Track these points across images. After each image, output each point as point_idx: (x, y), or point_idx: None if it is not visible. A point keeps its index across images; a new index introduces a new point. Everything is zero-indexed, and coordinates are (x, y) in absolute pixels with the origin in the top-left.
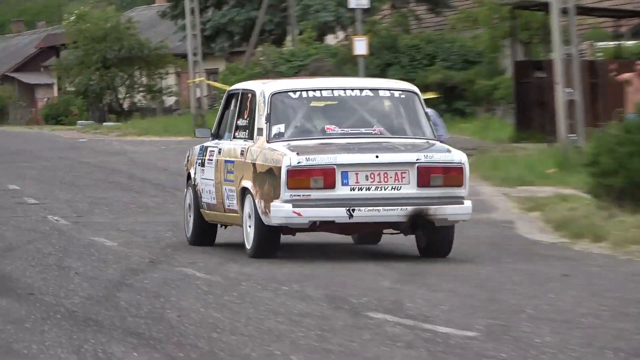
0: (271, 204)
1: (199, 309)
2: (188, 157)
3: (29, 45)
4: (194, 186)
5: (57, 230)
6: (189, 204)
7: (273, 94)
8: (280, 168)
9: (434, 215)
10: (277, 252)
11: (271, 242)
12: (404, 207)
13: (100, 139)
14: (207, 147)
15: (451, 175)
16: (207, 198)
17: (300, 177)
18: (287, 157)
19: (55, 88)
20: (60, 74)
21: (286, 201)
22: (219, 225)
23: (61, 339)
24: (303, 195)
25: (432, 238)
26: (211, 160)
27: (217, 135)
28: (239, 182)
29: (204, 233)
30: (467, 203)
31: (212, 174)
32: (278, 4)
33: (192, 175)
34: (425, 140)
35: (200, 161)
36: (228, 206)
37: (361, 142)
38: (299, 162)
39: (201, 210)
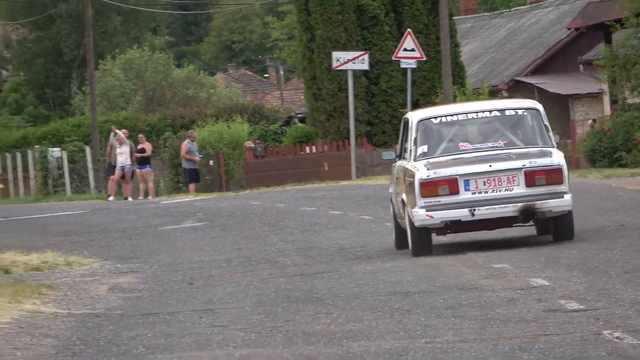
0: (413, 209)
1: None
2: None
3: (551, 25)
4: (390, 199)
5: (619, 354)
6: (392, 214)
7: (420, 121)
8: (414, 180)
9: (540, 208)
10: (432, 250)
11: (423, 241)
12: (515, 204)
13: None
14: (393, 167)
15: (552, 175)
16: (396, 208)
17: (430, 187)
18: (419, 172)
19: (607, 99)
20: (614, 74)
21: (422, 207)
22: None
23: None
24: (434, 201)
25: (556, 227)
26: (392, 176)
27: (400, 156)
28: (401, 195)
29: (403, 238)
30: (567, 197)
31: (392, 187)
32: None
33: (390, 190)
34: (539, 149)
35: (392, 178)
36: (400, 213)
37: (484, 154)
38: (428, 176)
39: (397, 218)
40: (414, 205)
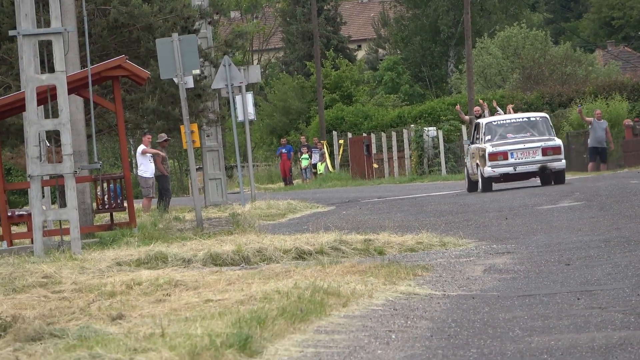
0: (484, 168)
1: None
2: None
3: None
4: (465, 166)
5: None
6: (465, 174)
7: (486, 123)
8: (485, 153)
9: (550, 166)
10: (492, 190)
11: (489, 185)
12: (537, 165)
13: None
14: (468, 147)
15: (555, 150)
16: (469, 169)
17: (494, 156)
18: (488, 148)
19: None
20: None
21: (489, 166)
22: (479, 180)
23: None
24: (495, 164)
25: (556, 176)
26: (468, 152)
27: (472, 142)
28: (476, 161)
29: (472, 186)
30: (563, 161)
31: (469, 158)
32: None
33: (465, 160)
34: (548, 137)
35: (466, 154)
36: (473, 171)
37: (521, 139)
38: (492, 150)
39: (469, 175)
40: (484, 166)
